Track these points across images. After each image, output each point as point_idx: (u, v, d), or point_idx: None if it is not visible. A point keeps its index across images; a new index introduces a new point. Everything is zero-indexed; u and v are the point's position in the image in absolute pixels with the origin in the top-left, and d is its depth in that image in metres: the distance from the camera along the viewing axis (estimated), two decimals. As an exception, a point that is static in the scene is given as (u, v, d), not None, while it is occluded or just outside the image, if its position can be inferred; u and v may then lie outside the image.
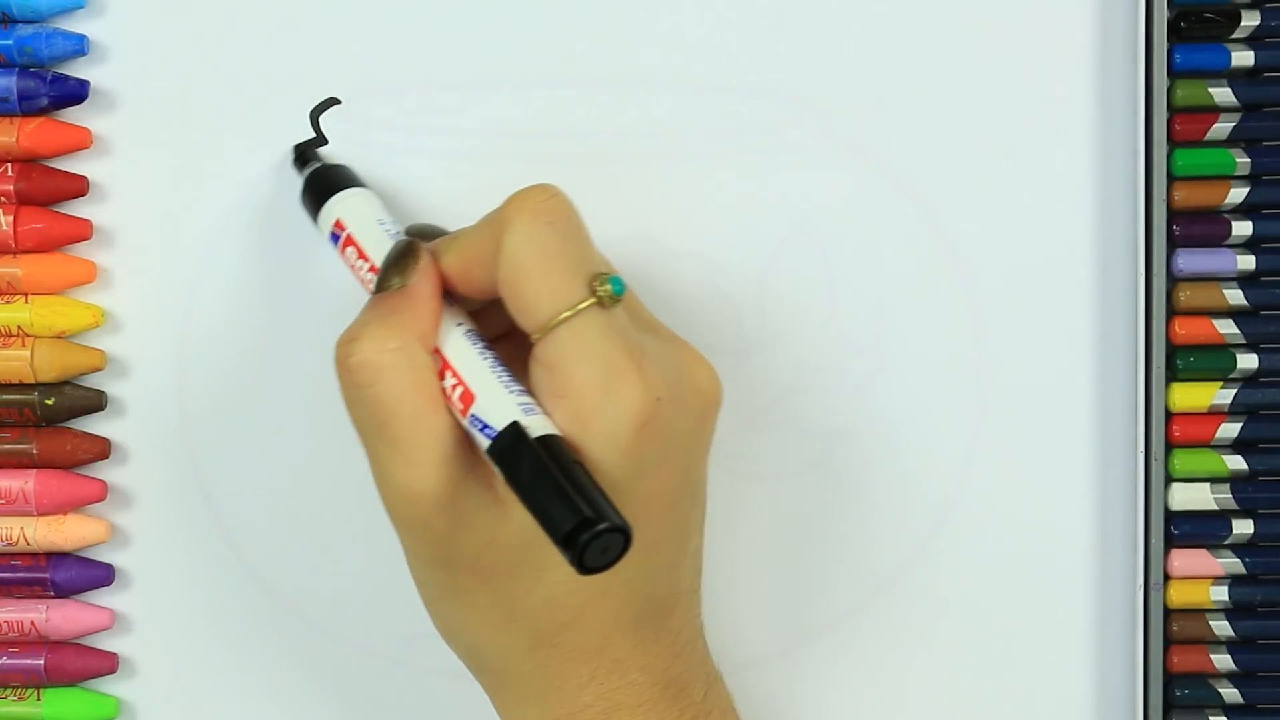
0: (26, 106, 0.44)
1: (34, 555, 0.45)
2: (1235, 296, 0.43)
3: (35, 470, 0.44)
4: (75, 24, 0.44)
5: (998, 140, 0.44)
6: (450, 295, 0.37)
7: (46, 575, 0.45)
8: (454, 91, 0.44)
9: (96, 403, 0.45)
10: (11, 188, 0.44)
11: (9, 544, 0.45)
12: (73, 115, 0.44)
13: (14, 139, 0.44)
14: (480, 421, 0.34)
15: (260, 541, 0.45)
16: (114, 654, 0.45)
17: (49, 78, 0.44)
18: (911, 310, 0.44)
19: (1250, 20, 0.43)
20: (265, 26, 0.44)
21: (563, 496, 0.32)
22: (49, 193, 0.44)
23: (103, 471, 0.45)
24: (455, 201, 0.44)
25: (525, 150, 0.44)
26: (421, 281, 0.37)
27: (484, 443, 0.34)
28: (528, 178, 0.44)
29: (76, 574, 0.45)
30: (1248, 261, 0.43)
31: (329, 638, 0.46)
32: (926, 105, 0.44)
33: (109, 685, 0.46)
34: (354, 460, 0.45)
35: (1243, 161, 0.43)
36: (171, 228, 0.45)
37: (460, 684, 0.46)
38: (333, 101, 0.44)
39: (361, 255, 0.39)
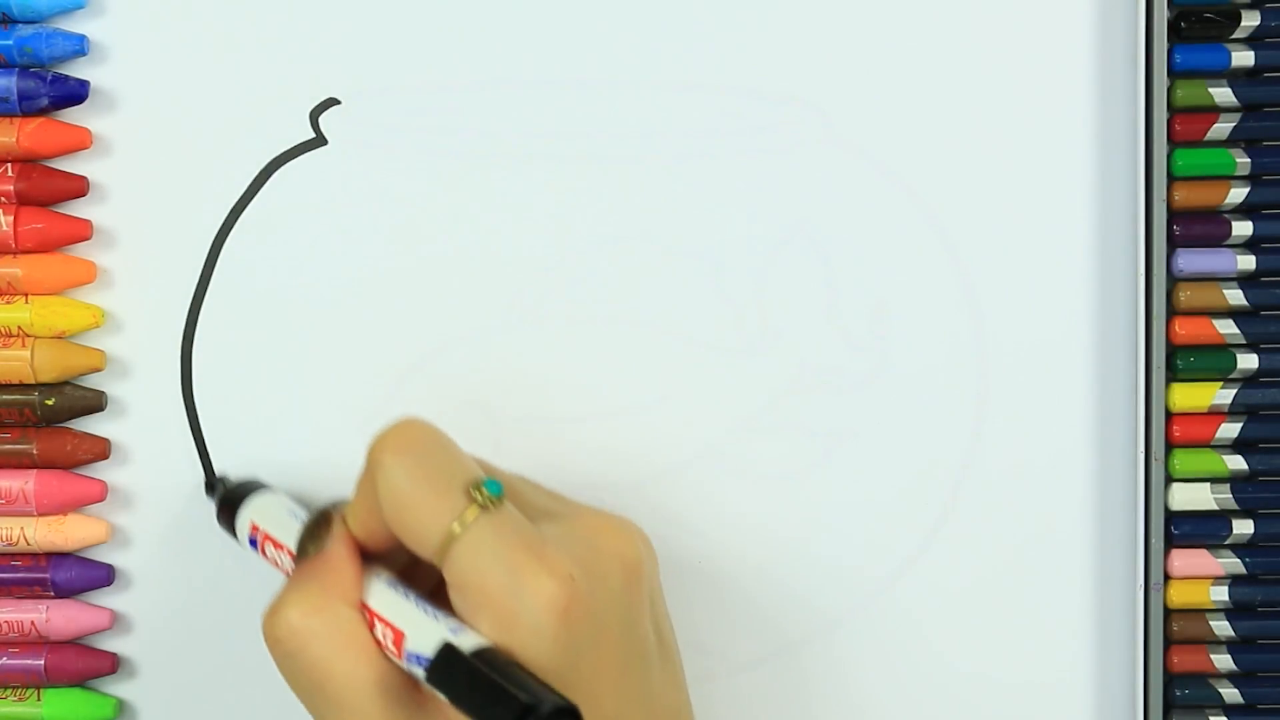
0: (26, 106, 0.44)
1: (34, 555, 0.45)
2: (1235, 296, 0.43)
3: (35, 470, 0.44)
4: (75, 24, 0.44)
5: (998, 140, 0.44)
6: (369, 551, 0.38)
7: (46, 575, 0.45)
8: (454, 91, 0.44)
9: (96, 403, 0.45)
10: (11, 188, 0.44)
11: (9, 544, 0.45)
12: (73, 115, 0.44)
13: (14, 139, 0.44)
14: (414, 655, 0.35)
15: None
16: (114, 654, 0.45)
17: (49, 78, 0.44)
18: (911, 310, 0.44)
19: (1250, 20, 0.43)
20: (265, 26, 0.44)
21: (501, 695, 0.32)
22: (49, 193, 0.44)
23: (103, 471, 0.45)
24: (455, 202, 0.44)
25: (525, 150, 0.44)
26: (336, 544, 0.38)
27: (422, 674, 0.34)
28: (528, 178, 0.44)
29: (76, 574, 0.45)
30: (1248, 261, 0.43)
31: (329, 638, 0.46)
32: (926, 105, 0.44)
33: (109, 685, 0.46)
34: (354, 460, 0.45)
35: (1243, 161, 0.43)
36: (171, 228, 0.45)
37: (460, 684, 0.46)
38: (332, 102, 0.44)
39: (278, 545, 0.40)
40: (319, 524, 0.38)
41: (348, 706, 0.35)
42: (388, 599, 0.36)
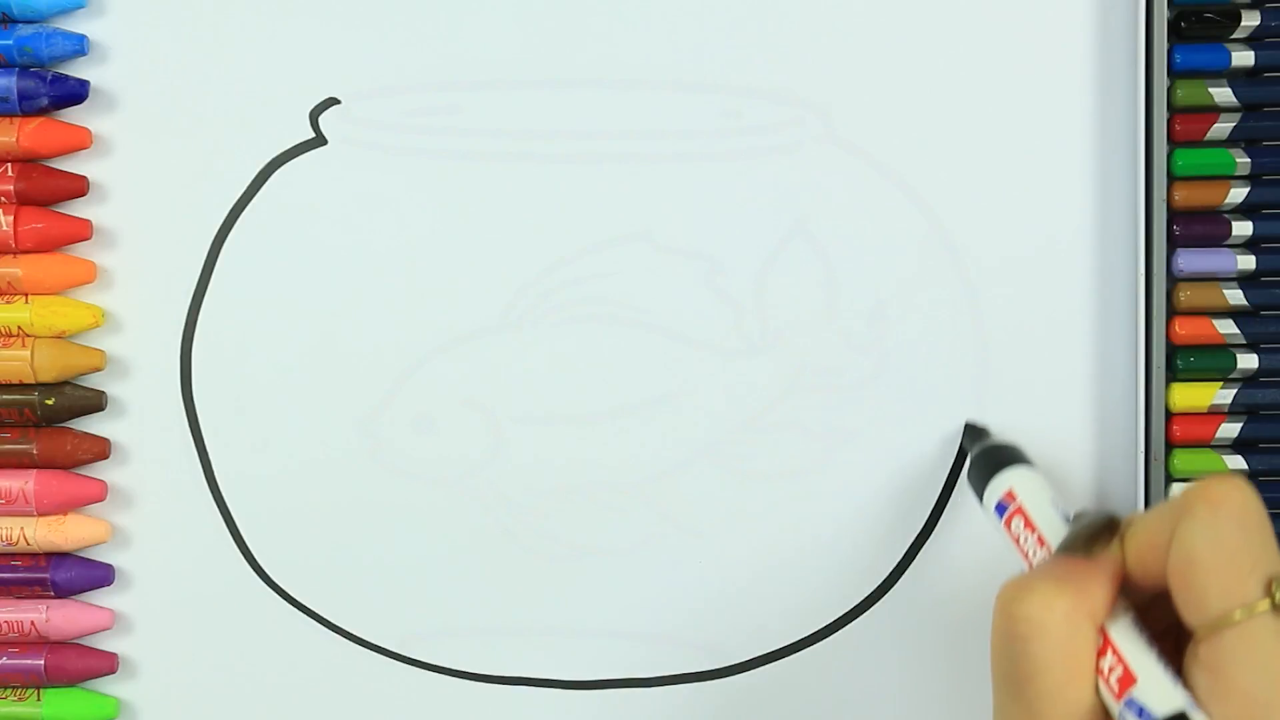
0: (26, 106, 0.44)
1: (34, 555, 0.45)
2: (1235, 296, 0.43)
3: (35, 470, 0.44)
4: (75, 24, 0.44)
5: (998, 140, 0.44)
6: (1126, 581, 0.37)
7: (46, 575, 0.45)
8: (454, 91, 0.44)
9: (96, 403, 0.45)
10: (11, 188, 0.44)
11: (9, 544, 0.45)
12: (73, 115, 0.44)
13: (14, 139, 0.44)
14: (1138, 705, 0.33)
15: (261, 542, 0.45)
16: (114, 654, 0.45)
17: (49, 78, 0.44)
18: (911, 310, 0.44)
19: (1250, 20, 0.43)
20: (265, 26, 0.44)
21: None
22: (49, 193, 0.44)
23: (103, 471, 0.45)
24: (455, 201, 0.44)
25: (525, 150, 0.44)
26: (1108, 560, 0.36)
27: None
28: (528, 178, 0.44)
29: (76, 574, 0.45)
30: (1248, 261, 0.43)
31: (329, 638, 0.46)
32: (926, 105, 0.44)
33: (109, 685, 0.46)
34: (355, 460, 0.45)
35: (1243, 161, 0.43)
36: (171, 228, 0.45)
37: (460, 684, 0.46)
38: (332, 101, 0.44)
39: (1030, 526, 0.39)
40: (1102, 529, 0.37)
41: (1040, 714, 0.34)
42: (1130, 638, 0.35)
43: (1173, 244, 0.44)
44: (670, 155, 0.44)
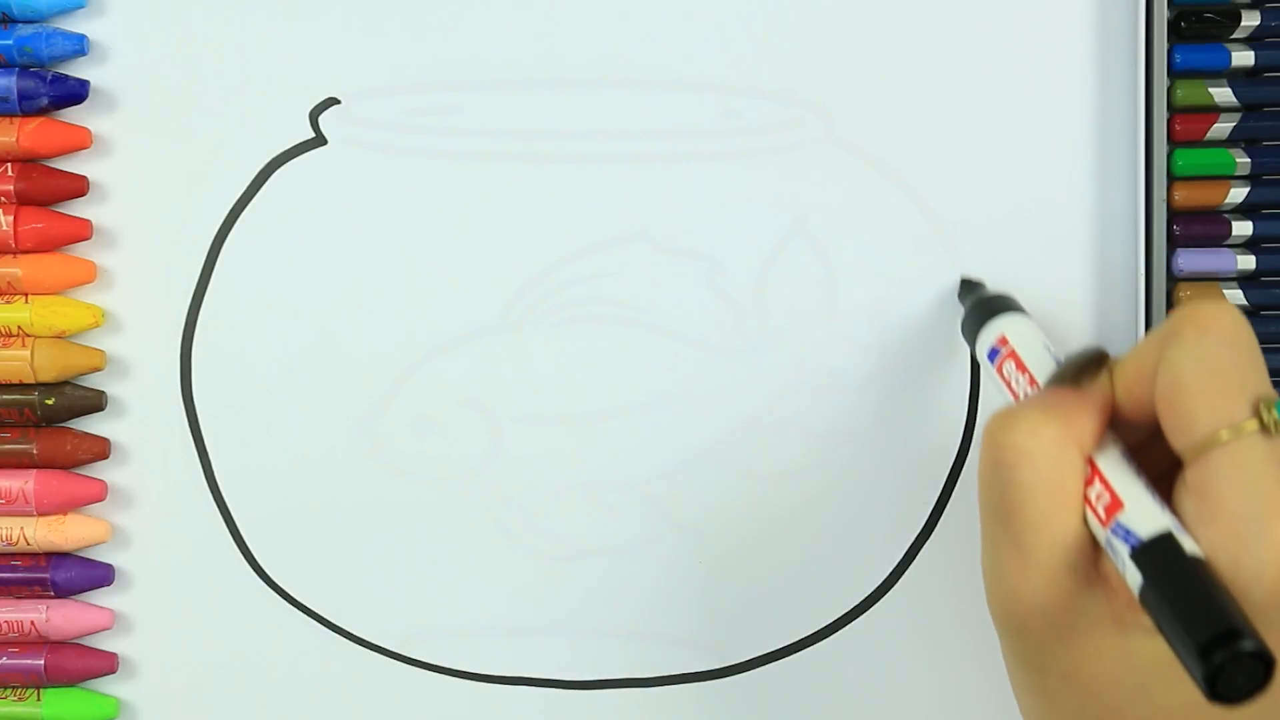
0: (26, 106, 0.44)
1: (34, 555, 0.45)
2: (1235, 296, 0.43)
3: (35, 470, 0.44)
4: (75, 24, 0.44)
5: (998, 140, 0.44)
6: (1116, 415, 0.36)
7: (46, 575, 0.45)
8: (454, 91, 0.44)
9: (96, 403, 0.45)
10: (11, 188, 0.44)
11: (9, 544, 0.45)
12: (73, 115, 0.44)
13: (14, 139, 0.44)
14: (1124, 529, 0.33)
15: (262, 542, 0.45)
16: (114, 654, 0.45)
17: (49, 78, 0.44)
18: (911, 310, 0.44)
19: (1250, 20, 0.43)
20: (265, 26, 0.44)
21: (1208, 607, 0.30)
22: (49, 193, 0.44)
23: (103, 471, 0.45)
24: (455, 201, 0.44)
25: (525, 150, 0.44)
26: (1097, 390, 0.36)
27: (1125, 550, 0.33)
28: (527, 178, 0.44)
29: (76, 574, 0.45)
30: (1248, 261, 0.43)
31: (329, 638, 0.46)
32: (926, 105, 0.44)
33: (109, 685, 0.46)
34: (355, 460, 0.45)
35: (1243, 161, 0.43)
36: (171, 228, 0.45)
37: (461, 684, 0.46)
38: (333, 101, 0.44)
39: (1021, 368, 0.39)
40: (1091, 361, 0.36)
41: (1027, 544, 0.34)
42: (1117, 464, 0.34)
43: (1173, 244, 0.44)
44: (670, 155, 0.44)
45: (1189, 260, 0.43)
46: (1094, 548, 0.34)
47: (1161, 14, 0.43)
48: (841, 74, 0.44)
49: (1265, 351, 0.43)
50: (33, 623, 0.45)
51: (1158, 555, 0.32)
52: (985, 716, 0.45)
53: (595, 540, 0.45)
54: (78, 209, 0.45)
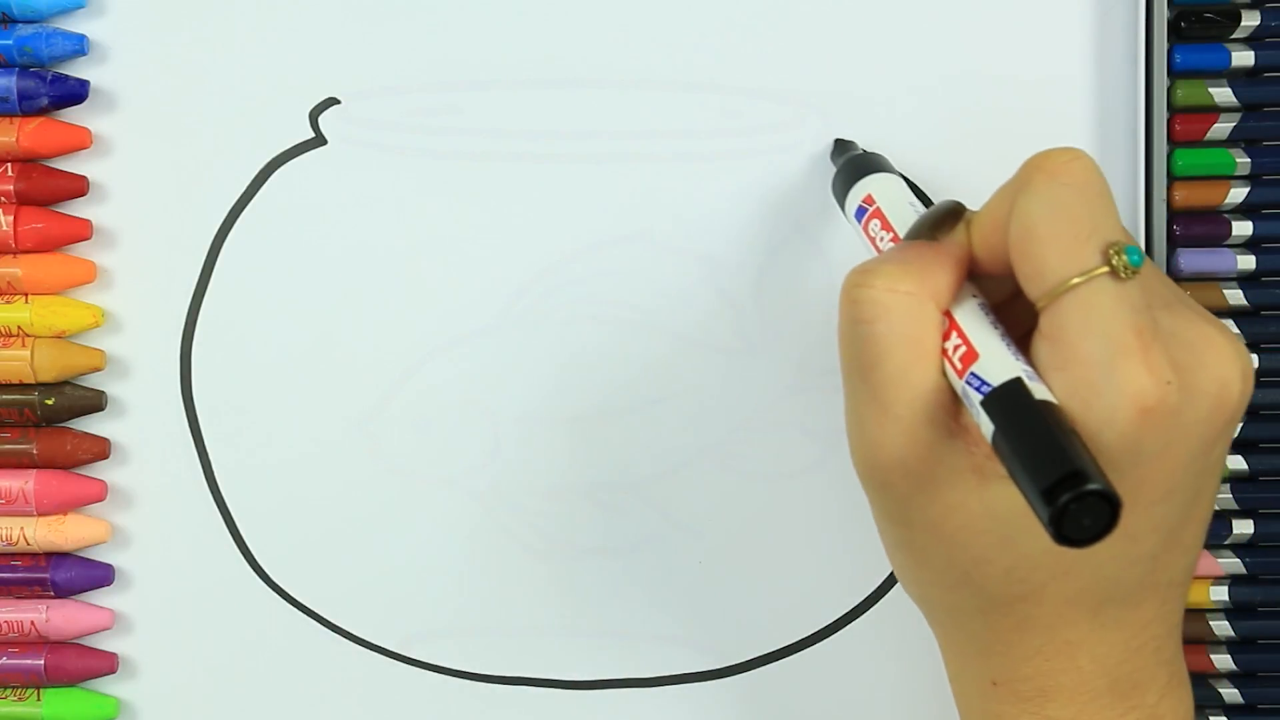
0: (26, 106, 0.44)
1: (34, 555, 0.45)
2: (1235, 296, 0.43)
3: (35, 470, 0.44)
4: (75, 24, 0.44)
5: (997, 140, 0.44)
6: (976, 268, 0.36)
7: (46, 575, 0.45)
8: (454, 91, 0.44)
9: (96, 403, 0.45)
10: (11, 188, 0.44)
11: (9, 544, 0.45)
12: (73, 115, 0.44)
13: (14, 139, 0.44)
14: (978, 379, 0.33)
15: (262, 542, 0.45)
16: (114, 654, 0.45)
17: (49, 78, 0.44)
18: (911, 310, 0.44)
19: (1250, 20, 0.43)
20: (265, 26, 0.44)
21: (1054, 451, 0.30)
22: (49, 193, 0.44)
23: (103, 471, 0.45)
24: (455, 202, 0.44)
25: (525, 150, 0.44)
26: (952, 242, 0.36)
27: (978, 399, 0.33)
28: (527, 178, 0.44)
29: (76, 574, 0.45)
30: (1248, 261, 0.43)
31: (329, 638, 0.46)
32: (926, 105, 0.44)
33: (109, 685, 0.46)
34: (355, 460, 0.45)
35: (1243, 161, 0.43)
36: (171, 228, 0.45)
37: (461, 684, 0.46)
38: (332, 101, 0.44)
39: (886, 226, 0.38)
40: (946, 215, 0.36)
41: (886, 398, 0.34)
42: (974, 317, 0.34)
43: (1173, 244, 0.44)
44: (670, 155, 0.44)
45: (1189, 260, 0.43)
46: (954, 400, 0.34)
47: (1161, 14, 0.43)
48: (841, 74, 0.44)
49: (1265, 351, 0.43)
50: (33, 623, 0.45)
51: (1006, 402, 0.32)
52: (985, 716, 0.45)
53: (595, 540, 0.45)
54: (78, 209, 0.45)
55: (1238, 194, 0.43)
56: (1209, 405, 0.34)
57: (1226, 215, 0.44)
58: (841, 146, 0.43)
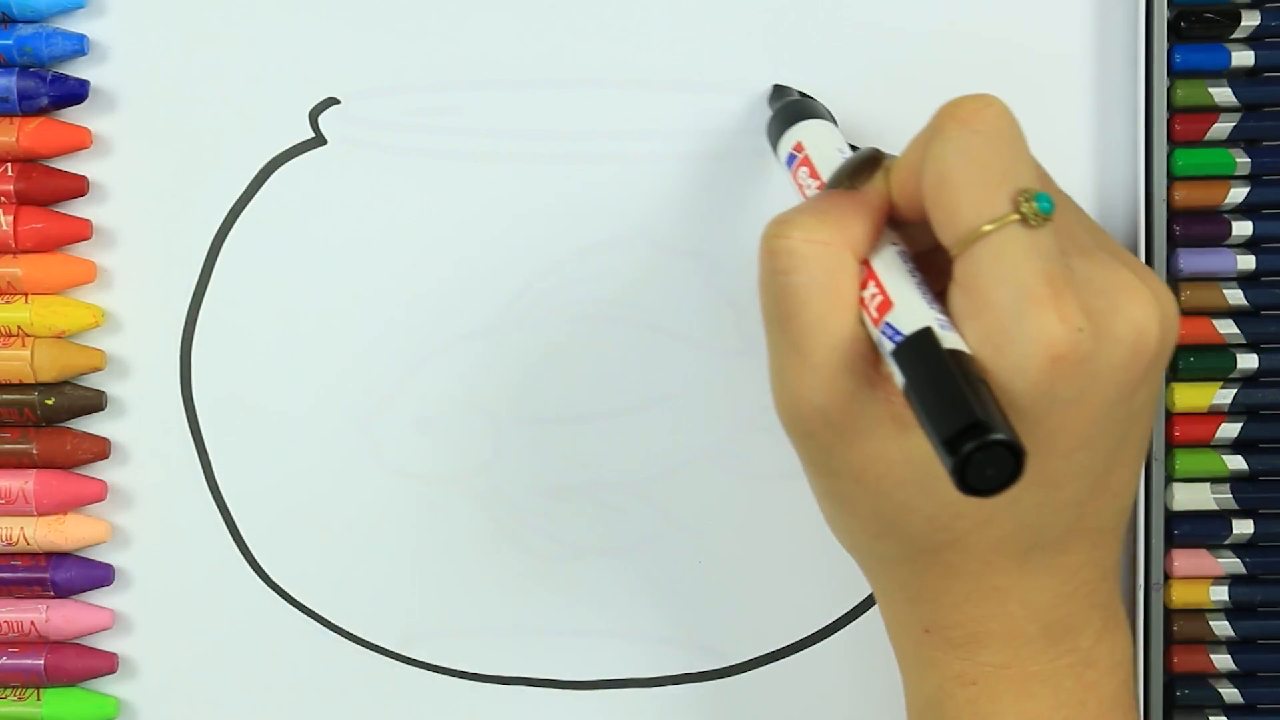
0: (26, 106, 0.44)
1: (34, 555, 0.45)
2: (1235, 296, 0.43)
3: (35, 470, 0.44)
4: (75, 24, 0.44)
5: (998, 140, 0.44)
6: (896, 217, 0.36)
7: (46, 575, 0.45)
8: (454, 91, 0.44)
9: (96, 403, 0.45)
10: (11, 188, 0.44)
11: (9, 544, 0.45)
12: (73, 115, 0.44)
13: (14, 139, 0.44)
14: (892, 328, 0.33)
15: (262, 542, 0.45)
16: (114, 654, 0.45)
17: (49, 78, 0.44)
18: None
19: (1250, 20, 0.43)
20: (265, 26, 0.44)
21: (958, 400, 0.30)
22: (49, 193, 0.44)
23: (103, 471, 0.45)
24: (455, 202, 0.44)
25: (524, 150, 0.44)
26: (870, 191, 0.36)
27: (890, 347, 0.33)
28: (527, 178, 0.44)
29: (76, 574, 0.45)
30: (1248, 261, 0.43)
31: (329, 638, 0.46)
32: (926, 105, 0.44)
33: (109, 685, 0.46)
34: (355, 460, 0.45)
35: (1243, 161, 0.43)
36: (171, 228, 0.45)
37: (461, 684, 0.46)
38: (332, 101, 0.44)
39: (814, 175, 0.38)
40: (865, 163, 0.36)
41: (805, 347, 0.34)
42: (892, 266, 0.34)
43: (1173, 244, 0.44)
44: (669, 155, 0.44)
45: (1189, 260, 0.43)
46: (873, 349, 0.34)
47: (1161, 14, 0.43)
48: (841, 74, 0.44)
49: (1265, 351, 0.43)
50: (33, 623, 0.45)
51: (915, 351, 0.32)
52: (985, 716, 0.45)
53: (595, 540, 0.45)
54: (78, 209, 0.45)
55: (1238, 194, 0.43)
56: (1125, 351, 0.33)
57: (1226, 215, 0.44)
58: (779, 92, 0.43)
